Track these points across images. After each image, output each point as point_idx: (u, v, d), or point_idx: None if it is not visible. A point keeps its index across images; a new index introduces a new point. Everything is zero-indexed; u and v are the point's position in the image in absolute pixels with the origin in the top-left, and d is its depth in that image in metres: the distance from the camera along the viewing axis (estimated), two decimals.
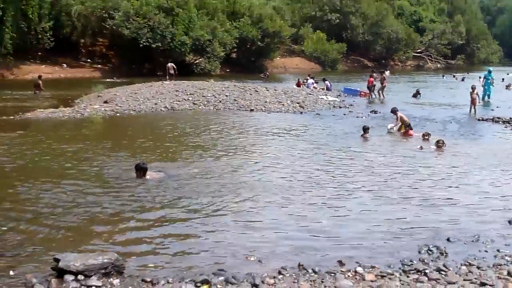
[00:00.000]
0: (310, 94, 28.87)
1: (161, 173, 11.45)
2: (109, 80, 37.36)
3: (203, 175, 11.43)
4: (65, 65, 44.74)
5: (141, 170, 10.86)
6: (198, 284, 5.81)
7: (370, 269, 6.49)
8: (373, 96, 31.02)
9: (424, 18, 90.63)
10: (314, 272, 6.26)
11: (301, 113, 22.78)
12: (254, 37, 52.82)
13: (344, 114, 22.71)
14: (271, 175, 11.53)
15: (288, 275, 6.18)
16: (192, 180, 11.08)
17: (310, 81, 36.35)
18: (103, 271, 5.98)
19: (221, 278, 6.00)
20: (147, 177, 10.90)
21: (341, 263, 6.66)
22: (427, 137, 16.59)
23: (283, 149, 14.78)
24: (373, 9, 75.07)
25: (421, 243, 7.59)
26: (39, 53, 43.51)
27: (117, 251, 6.77)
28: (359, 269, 6.46)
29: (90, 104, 22.78)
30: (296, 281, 5.99)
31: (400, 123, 18.00)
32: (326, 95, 29.19)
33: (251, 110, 22.90)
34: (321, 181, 11.14)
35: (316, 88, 33.92)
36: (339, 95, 30.02)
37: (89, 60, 47.97)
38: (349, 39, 72.22)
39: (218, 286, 5.82)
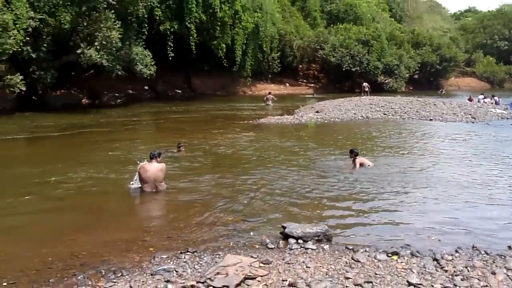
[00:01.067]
0: (480, 107, 26.98)
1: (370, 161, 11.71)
2: (316, 96, 38.36)
3: (393, 169, 11.37)
4: (287, 84, 47.18)
5: (352, 153, 11.48)
6: (389, 255, 5.81)
7: None
8: None
9: None
10: (486, 253, 5.95)
11: (473, 122, 21.40)
12: (433, 62, 53.31)
13: (511, 125, 21.02)
14: (449, 172, 11.03)
15: (463, 254, 5.95)
16: (385, 172, 11.11)
17: (481, 96, 34.34)
18: (316, 238, 6.28)
19: (408, 251, 5.96)
20: (357, 160, 11.29)
21: (510, 248, 6.24)
22: None
23: (458, 151, 14.04)
24: None
25: None
26: (269, 75, 46.18)
27: (327, 223, 7.03)
28: None
29: (306, 113, 23.73)
30: (470, 259, 5.75)
31: None
32: (494, 108, 27.31)
33: (430, 119, 22.00)
34: (494, 179, 10.39)
35: (486, 102, 31.75)
36: (506, 108, 27.66)
37: (304, 81, 49.99)
38: None
39: (405, 257, 5.76)
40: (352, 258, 5.71)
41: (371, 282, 5.01)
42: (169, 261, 5.78)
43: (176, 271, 5.39)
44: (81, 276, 5.45)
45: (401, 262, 5.64)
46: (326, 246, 6.21)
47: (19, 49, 21.80)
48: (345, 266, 5.49)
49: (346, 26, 49.02)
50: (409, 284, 4.98)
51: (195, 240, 6.57)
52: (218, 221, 7.40)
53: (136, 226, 7.39)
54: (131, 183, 9.30)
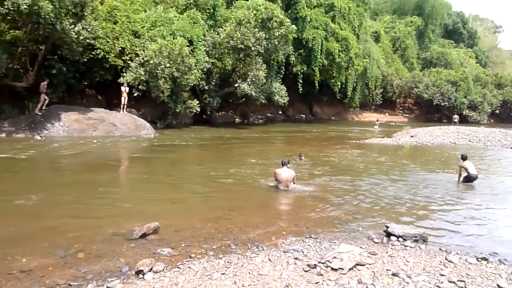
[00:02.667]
0: None
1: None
2: (406, 124, 35.92)
3: (483, 185, 10.13)
4: (387, 113, 44.72)
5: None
6: (479, 259, 5.18)
7: None
8: None
9: None
10: None
11: None
12: None
13: None
14: None
15: None
16: (477, 187, 9.99)
17: None
18: (414, 238, 5.78)
19: (496, 258, 5.27)
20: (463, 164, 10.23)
21: None
22: None
23: None
24: None
25: None
26: (373, 106, 44.20)
27: (423, 226, 6.53)
28: None
29: (402, 137, 22.32)
30: None
31: None
32: None
33: (511, 148, 19.56)
34: None
35: None
36: None
37: (401, 111, 46.91)
38: None
39: (494, 263, 5.09)
40: (446, 259, 5.14)
41: (464, 281, 4.46)
42: (297, 243, 5.68)
43: (303, 252, 5.27)
44: (234, 246, 5.56)
45: (490, 267, 4.96)
46: (423, 246, 5.69)
47: (197, 83, 23.37)
48: (439, 264, 4.96)
49: (438, 69, 45.29)
50: (499, 287, 4.35)
51: (316, 229, 6.39)
52: (333, 216, 7.15)
53: (272, 214, 7.40)
54: (270, 183, 9.41)
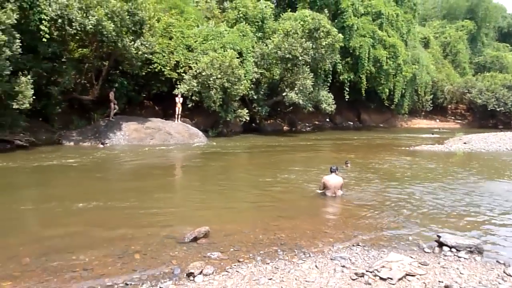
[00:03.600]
0: None
1: None
2: (460, 130, 33.96)
3: None
4: (437, 120, 42.63)
5: None
6: None
7: None
8: None
9: None
10: None
11: None
12: None
13: None
14: None
15: None
16: None
17: None
18: (468, 249, 5.36)
19: None
20: None
21: None
22: None
23: None
24: None
25: None
26: (422, 113, 42.27)
27: (477, 236, 6.07)
28: None
29: (454, 143, 21.08)
30: None
31: None
32: None
33: None
34: None
35: None
36: None
37: (452, 117, 44.47)
38: None
39: None
40: (504, 272, 4.71)
41: None
42: (344, 250, 5.49)
43: (350, 260, 5.08)
44: (281, 252, 5.47)
45: None
46: (478, 258, 5.26)
47: (247, 93, 23.61)
48: (497, 278, 4.55)
49: (493, 74, 42.38)
50: None
51: (364, 237, 6.14)
52: (382, 223, 6.85)
53: (320, 221, 7.23)
54: (317, 190, 9.23)
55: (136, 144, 17.56)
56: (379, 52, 31.36)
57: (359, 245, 5.69)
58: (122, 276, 4.70)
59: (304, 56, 23.71)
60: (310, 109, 26.68)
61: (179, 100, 21.31)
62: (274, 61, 25.11)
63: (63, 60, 17.75)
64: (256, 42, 25.15)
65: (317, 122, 34.31)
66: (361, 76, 31.45)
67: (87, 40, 17.95)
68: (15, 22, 13.70)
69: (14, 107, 13.99)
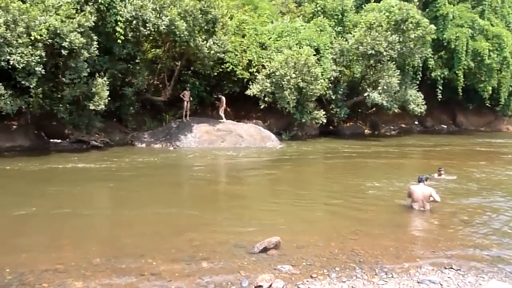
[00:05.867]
0: None
1: None
2: None
3: None
4: None
5: None
6: None
7: None
8: None
9: None
10: None
11: None
12: None
13: None
14: None
15: None
16: None
17: None
18: None
19: None
20: None
21: None
22: None
23: None
24: None
25: None
26: None
27: None
28: None
29: None
30: None
31: None
32: None
33: None
34: None
35: None
36: None
37: None
38: None
39: None
40: None
41: None
42: (434, 273, 5.13)
43: (441, 284, 4.74)
44: (359, 270, 5.28)
45: None
46: None
47: (324, 93, 23.32)
48: None
49: None
50: None
51: (459, 258, 5.68)
52: (481, 244, 6.29)
53: (405, 236, 6.87)
54: (404, 202, 8.77)
55: (206, 147, 18.21)
56: (479, 44, 29.11)
57: (452, 268, 5.27)
58: (189, 283, 4.87)
59: (389, 51, 22.83)
60: (396, 110, 25.55)
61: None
62: (355, 58, 24.51)
63: (137, 61, 19.06)
64: (335, 38, 24.77)
65: (403, 125, 32.80)
66: (457, 72, 29.44)
67: (160, 41, 19.10)
68: (93, 24, 15.03)
69: (90, 108, 15.33)
